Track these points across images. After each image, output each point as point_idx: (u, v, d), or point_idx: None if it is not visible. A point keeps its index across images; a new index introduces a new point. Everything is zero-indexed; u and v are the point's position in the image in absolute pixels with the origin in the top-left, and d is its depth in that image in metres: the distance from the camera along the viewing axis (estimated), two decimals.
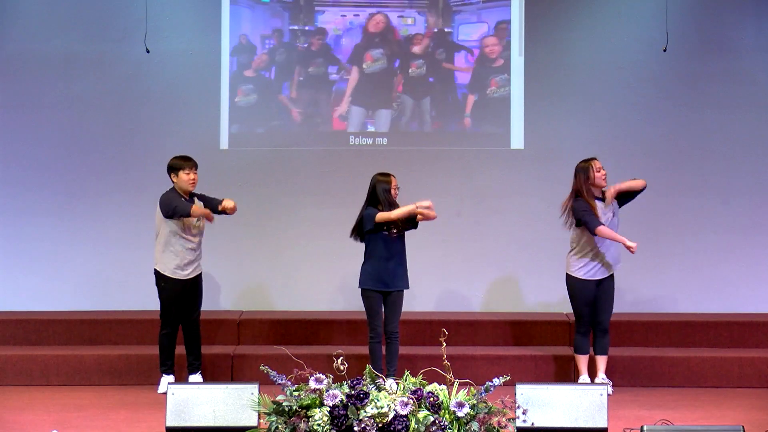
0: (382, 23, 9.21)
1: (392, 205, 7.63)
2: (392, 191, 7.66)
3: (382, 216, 7.55)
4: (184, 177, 7.64)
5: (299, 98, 9.30)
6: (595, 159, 7.75)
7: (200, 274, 7.82)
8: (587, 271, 7.75)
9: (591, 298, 7.76)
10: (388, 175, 7.72)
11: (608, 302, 7.77)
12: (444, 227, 9.18)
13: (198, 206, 7.64)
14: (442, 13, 9.27)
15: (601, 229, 7.60)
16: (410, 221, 7.67)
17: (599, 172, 7.71)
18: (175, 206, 7.57)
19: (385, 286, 7.64)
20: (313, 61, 9.28)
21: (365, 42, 9.27)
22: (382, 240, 7.64)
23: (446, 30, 9.27)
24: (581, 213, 7.68)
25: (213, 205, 7.75)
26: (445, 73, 9.29)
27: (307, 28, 9.28)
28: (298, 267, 9.29)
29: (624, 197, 7.82)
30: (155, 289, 7.81)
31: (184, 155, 7.76)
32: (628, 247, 7.58)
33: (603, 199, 7.75)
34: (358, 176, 8.97)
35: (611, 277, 7.78)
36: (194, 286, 7.77)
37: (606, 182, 7.73)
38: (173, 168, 7.69)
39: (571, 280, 7.82)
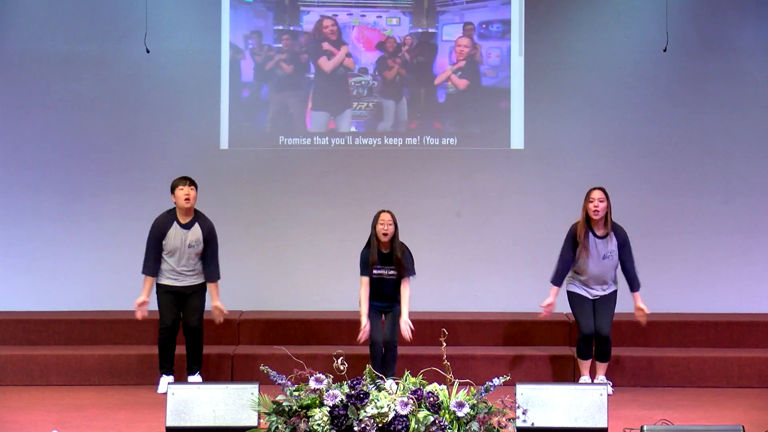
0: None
1: (374, 244, 7.65)
2: (378, 227, 7.63)
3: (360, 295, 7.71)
4: (179, 193, 7.71)
5: (290, 98, 9.30)
6: (596, 189, 7.68)
7: (196, 286, 7.80)
8: (581, 289, 7.77)
9: (589, 311, 7.75)
10: (381, 211, 7.70)
11: (607, 311, 7.76)
12: (444, 227, 9.18)
13: (143, 295, 7.74)
14: (427, 13, 9.26)
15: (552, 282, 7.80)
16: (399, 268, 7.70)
17: (591, 203, 7.66)
18: (145, 250, 7.82)
19: (380, 309, 7.74)
20: (295, 61, 9.27)
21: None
22: (374, 280, 7.71)
23: (431, 30, 9.26)
24: (562, 248, 7.82)
25: (207, 275, 7.82)
26: (431, 73, 9.29)
27: (292, 28, 9.29)
28: (298, 267, 9.29)
29: (623, 255, 7.76)
30: (156, 294, 7.87)
31: (184, 176, 7.78)
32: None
33: (604, 237, 7.69)
34: (358, 176, 8.99)
35: (611, 294, 7.78)
36: (186, 295, 7.78)
37: (597, 216, 7.63)
38: (172, 188, 7.78)
39: (569, 294, 7.86)
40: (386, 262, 7.69)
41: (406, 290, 7.68)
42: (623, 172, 9.01)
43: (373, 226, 7.71)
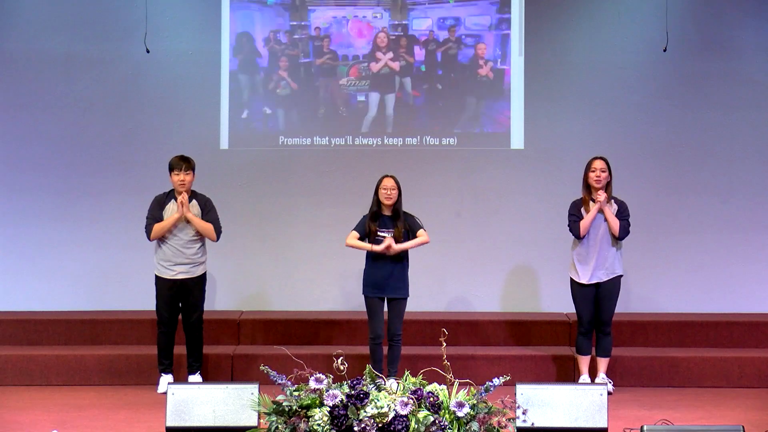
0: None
1: (377, 207, 7.63)
2: (381, 191, 7.63)
3: (348, 242, 7.66)
4: (174, 178, 7.73)
5: (288, 98, 9.31)
6: (597, 159, 7.74)
7: (197, 278, 7.79)
8: (582, 272, 7.73)
9: (590, 300, 7.74)
10: (384, 176, 7.73)
11: (609, 304, 7.75)
12: (444, 227, 9.18)
13: (159, 227, 7.67)
14: (427, 12, 9.29)
15: (581, 231, 7.67)
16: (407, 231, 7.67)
17: (593, 172, 7.70)
18: (147, 218, 7.78)
19: (382, 292, 7.67)
20: (292, 61, 9.28)
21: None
22: (375, 259, 7.65)
23: (428, 31, 9.27)
24: (569, 218, 7.79)
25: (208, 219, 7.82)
26: (430, 74, 9.30)
27: (289, 27, 9.29)
28: (298, 267, 9.29)
29: None
30: (155, 289, 7.85)
31: (182, 155, 7.79)
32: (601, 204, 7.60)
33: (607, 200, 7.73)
34: (359, 176, 8.99)
35: (614, 280, 7.75)
36: (187, 288, 7.77)
37: (599, 185, 7.66)
38: (169, 168, 7.78)
39: (571, 281, 7.82)
40: (388, 226, 7.65)
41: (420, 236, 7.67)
42: (623, 172, 8.98)
43: (376, 192, 7.67)
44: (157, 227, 7.69)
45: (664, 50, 8.92)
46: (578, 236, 7.73)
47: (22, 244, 9.22)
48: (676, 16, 9.09)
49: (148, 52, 8.91)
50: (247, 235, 9.23)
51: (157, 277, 7.81)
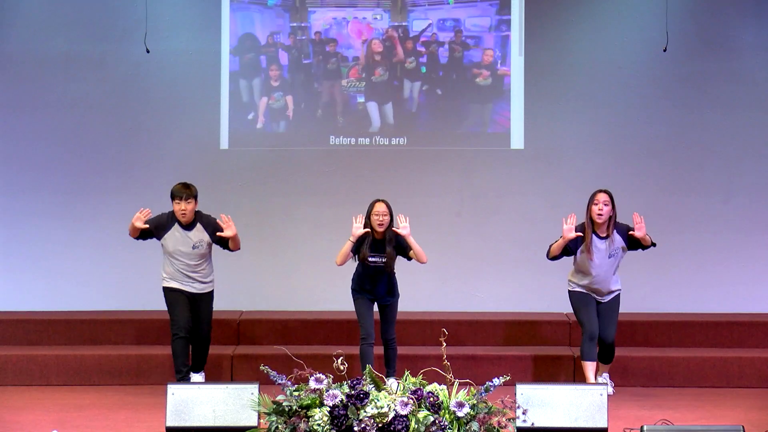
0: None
1: (371, 231, 7.53)
2: (373, 218, 7.50)
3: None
4: (176, 207, 7.58)
5: (288, 98, 9.32)
6: (601, 192, 7.53)
7: (207, 294, 7.73)
8: (581, 288, 7.68)
9: (592, 310, 7.60)
10: (376, 201, 7.58)
11: (612, 317, 7.67)
12: (444, 227, 9.19)
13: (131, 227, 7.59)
14: (426, 13, 9.30)
15: (550, 254, 7.63)
16: (400, 251, 7.60)
17: (596, 205, 7.51)
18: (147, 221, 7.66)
19: (373, 297, 7.64)
20: (293, 61, 9.29)
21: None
22: (369, 269, 7.58)
23: (428, 31, 9.29)
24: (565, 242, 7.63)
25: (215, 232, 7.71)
26: (432, 74, 9.30)
27: (290, 28, 9.30)
28: (298, 267, 9.29)
29: (634, 244, 7.62)
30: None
31: (184, 183, 7.63)
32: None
33: (606, 237, 7.56)
34: (359, 176, 9.00)
35: (614, 298, 7.68)
36: (196, 301, 7.68)
37: (601, 219, 7.48)
38: (171, 195, 7.62)
39: (569, 295, 7.74)
40: (379, 250, 7.59)
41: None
42: (623, 172, 9.01)
43: (368, 216, 7.57)
44: (130, 226, 7.57)
45: (664, 50, 8.92)
46: (549, 255, 7.64)
47: (22, 244, 9.22)
48: (676, 16, 9.10)
49: (148, 52, 8.92)
50: (247, 235, 9.17)
51: (163, 288, 7.69)
